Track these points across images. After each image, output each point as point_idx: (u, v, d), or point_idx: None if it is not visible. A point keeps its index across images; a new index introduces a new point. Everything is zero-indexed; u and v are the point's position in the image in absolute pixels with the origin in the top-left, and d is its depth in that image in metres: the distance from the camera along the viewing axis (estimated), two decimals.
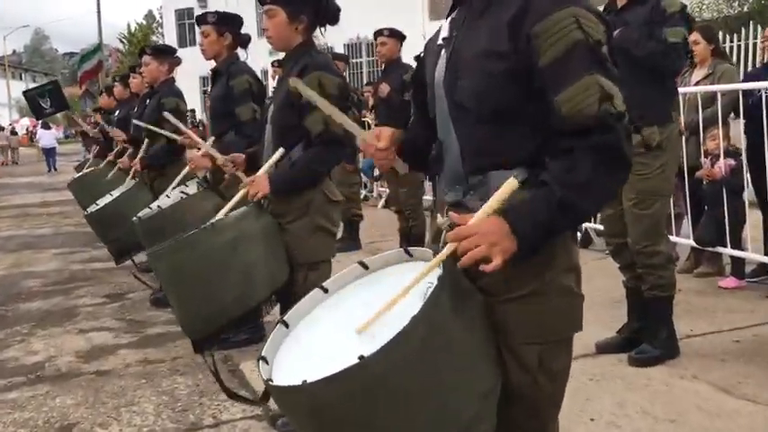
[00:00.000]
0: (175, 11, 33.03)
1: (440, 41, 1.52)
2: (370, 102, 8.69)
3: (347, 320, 1.31)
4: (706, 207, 4.71)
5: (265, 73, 11.23)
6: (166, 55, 4.85)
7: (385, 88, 5.94)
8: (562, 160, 1.31)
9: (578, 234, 1.57)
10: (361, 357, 1.13)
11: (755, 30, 10.19)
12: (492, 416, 1.33)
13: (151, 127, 4.10)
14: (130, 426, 2.97)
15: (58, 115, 31.00)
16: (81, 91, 20.59)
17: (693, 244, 4.76)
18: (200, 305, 2.56)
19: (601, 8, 2.93)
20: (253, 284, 2.59)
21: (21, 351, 4.09)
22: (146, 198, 4.39)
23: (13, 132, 29.63)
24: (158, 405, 3.16)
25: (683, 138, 4.51)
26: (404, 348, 1.15)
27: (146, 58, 4.76)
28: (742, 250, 4.53)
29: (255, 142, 3.05)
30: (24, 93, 14.38)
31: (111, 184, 5.13)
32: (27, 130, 37.42)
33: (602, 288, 3.99)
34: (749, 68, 9.26)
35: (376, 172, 9.01)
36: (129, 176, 4.88)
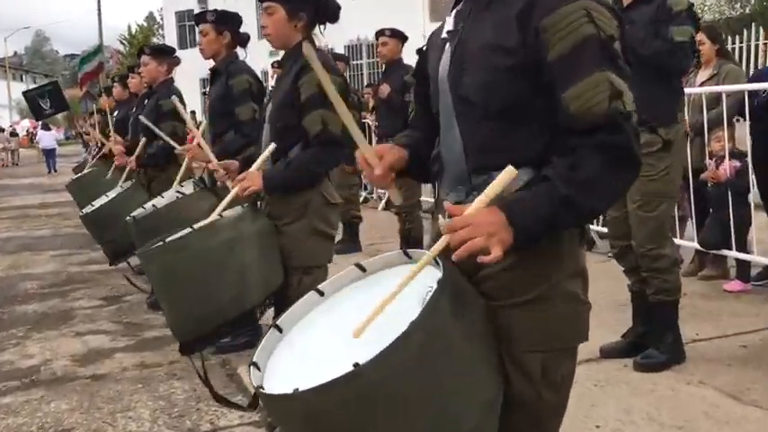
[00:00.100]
0: (176, 12, 33.06)
1: (444, 35, 1.47)
2: (371, 103, 8.67)
3: (343, 324, 1.27)
4: (710, 209, 4.66)
5: (265, 74, 11.21)
6: (165, 55, 4.80)
7: (385, 89, 5.90)
8: (567, 157, 1.26)
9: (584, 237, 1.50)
10: (356, 365, 1.09)
11: (757, 31, 10.15)
12: (493, 430, 1.29)
13: (152, 126, 4.04)
14: None
15: (59, 116, 31.05)
16: (81, 93, 20.57)
17: (698, 247, 4.70)
18: (194, 305, 2.51)
19: None
20: (248, 286, 2.55)
21: (16, 354, 4.03)
22: (142, 199, 4.33)
23: (13, 134, 29.63)
24: (155, 410, 3.11)
25: (688, 139, 4.45)
26: (402, 354, 1.11)
27: (144, 58, 4.72)
28: (747, 253, 4.47)
29: (254, 142, 3.01)
30: (24, 93, 14.37)
31: (110, 184, 5.07)
32: (27, 131, 37.44)
33: (606, 291, 3.94)
34: (751, 70, 9.22)
35: None
36: (124, 175, 4.82)
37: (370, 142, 8.91)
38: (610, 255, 4.60)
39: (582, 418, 2.71)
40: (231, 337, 3.71)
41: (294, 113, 2.60)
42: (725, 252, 4.53)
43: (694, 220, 4.78)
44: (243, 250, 2.54)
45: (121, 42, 43.54)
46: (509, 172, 1.23)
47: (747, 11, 13.69)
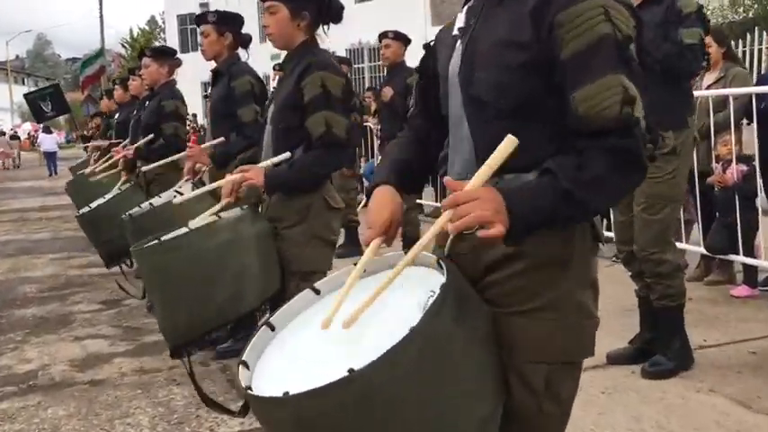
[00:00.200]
0: (177, 16, 33.05)
1: (455, 32, 1.41)
2: (373, 107, 8.64)
3: (338, 323, 1.21)
4: (717, 214, 4.61)
5: (267, 78, 11.19)
6: (166, 57, 4.76)
7: (388, 92, 5.86)
8: (575, 158, 1.22)
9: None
10: (350, 370, 1.05)
11: (760, 35, 10.12)
12: None
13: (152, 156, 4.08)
14: None
15: (60, 119, 31.08)
16: (83, 96, 20.59)
17: (704, 251, 4.65)
18: (189, 307, 2.45)
19: None
20: (244, 289, 2.50)
21: (13, 359, 3.98)
22: (140, 201, 4.29)
23: (14, 137, 29.63)
24: (153, 417, 3.05)
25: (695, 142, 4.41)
26: (401, 359, 1.08)
27: (145, 60, 4.68)
28: (754, 258, 4.42)
29: (256, 144, 2.96)
30: (26, 95, 14.38)
31: (108, 186, 5.03)
32: (29, 134, 37.47)
33: (612, 296, 3.88)
34: (754, 74, 9.18)
35: None
36: (120, 168, 4.80)
37: (373, 146, 8.87)
38: (614, 259, 4.56)
39: (590, 425, 2.66)
40: (231, 341, 3.66)
41: (297, 115, 2.55)
42: (732, 257, 4.47)
43: (700, 225, 4.72)
44: (241, 252, 2.49)
45: (123, 46, 43.55)
46: (510, 140, 1.18)
47: (750, 15, 13.65)
